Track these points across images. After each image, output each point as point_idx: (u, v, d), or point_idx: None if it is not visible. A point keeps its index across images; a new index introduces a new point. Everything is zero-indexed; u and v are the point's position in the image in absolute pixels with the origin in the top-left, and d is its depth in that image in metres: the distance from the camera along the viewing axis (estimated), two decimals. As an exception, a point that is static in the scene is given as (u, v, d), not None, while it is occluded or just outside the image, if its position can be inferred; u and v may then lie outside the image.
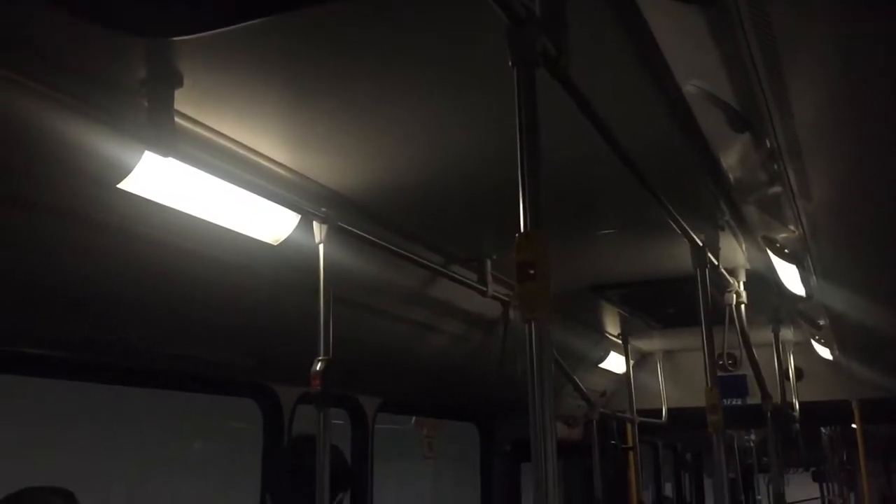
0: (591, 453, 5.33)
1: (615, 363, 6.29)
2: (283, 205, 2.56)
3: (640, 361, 6.79)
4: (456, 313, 4.17)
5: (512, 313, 4.01)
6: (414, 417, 6.57)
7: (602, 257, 3.97)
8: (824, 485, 12.33)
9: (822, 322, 4.84)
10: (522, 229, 1.45)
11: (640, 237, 3.64)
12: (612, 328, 5.86)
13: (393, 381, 4.47)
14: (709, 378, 3.09)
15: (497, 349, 4.05)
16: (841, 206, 2.45)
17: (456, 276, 3.72)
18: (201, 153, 2.26)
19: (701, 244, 3.14)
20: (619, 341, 5.97)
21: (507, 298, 4.01)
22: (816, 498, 12.67)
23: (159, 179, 2.22)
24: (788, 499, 12.25)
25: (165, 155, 2.05)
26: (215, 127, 2.34)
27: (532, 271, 1.40)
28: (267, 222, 2.69)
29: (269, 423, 3.65)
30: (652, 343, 6.44)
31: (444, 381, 4.74)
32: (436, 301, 3.96)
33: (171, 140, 2.01)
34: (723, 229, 3.39)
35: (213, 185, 2.36)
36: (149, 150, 2.05)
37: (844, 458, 10.86)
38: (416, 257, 3.39)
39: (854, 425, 6.48)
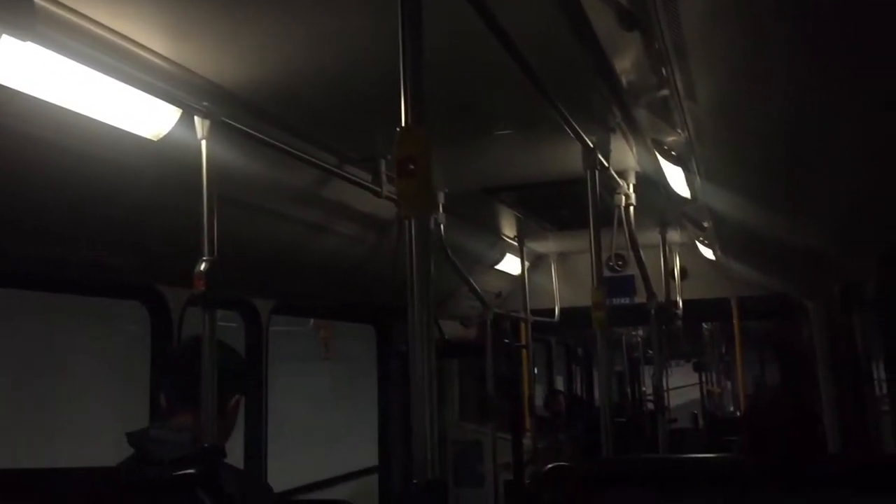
0: (485, 352, 5.48)
1: (511, 265, 6.42)
2: (161, 98, 2.42)
3: (535, 263, 6.96)
4: (351, 214, 4.13)
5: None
6: (312, 320, 6.57)
7: (495, 159, 3.97)
8: (704, 374, 13.28)
9: (706, 224, 5.03)
10: (403, 124, 1.42)
11: (533, 139, 3.65)
12: (508, 230, 5.95)
13: (287, 282, 4.43)
14: (595, 278, 3.18)
15: (392, 251, 4.06)
16: (724, 108, 2.50)
17: (350, 176, 3.66)
18: (68, 39, 2.10)
19: (592, 146, 3.17)
20: (515, 243, 6.07)
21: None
22: (695, 384, 13.63)
23: (21, 66, 2.06)
24: (671, 385, 13.05)
25: (24, 38, 1.89)
26: (83, 11, 2.18)
27: (412, 167, 1.38)
28: (145, 117, 2.55)
29: (156, 325, 3.57)
30: (547, 245, 6.59)
31: (341, 282, 4.74)
32: (329, 202, 3.90)
33: (30, 21, 1.85)
34: (614, 131, 3.44)
35: (83, 75, 2.20)
36: (4, 32, 1.88)
37: (724, 350, 11.59)
38: (307, 157, 3.30)
39: (733, 321, 6.88)
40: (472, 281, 5.03)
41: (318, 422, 6.57)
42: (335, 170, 3.58)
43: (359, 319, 5.76)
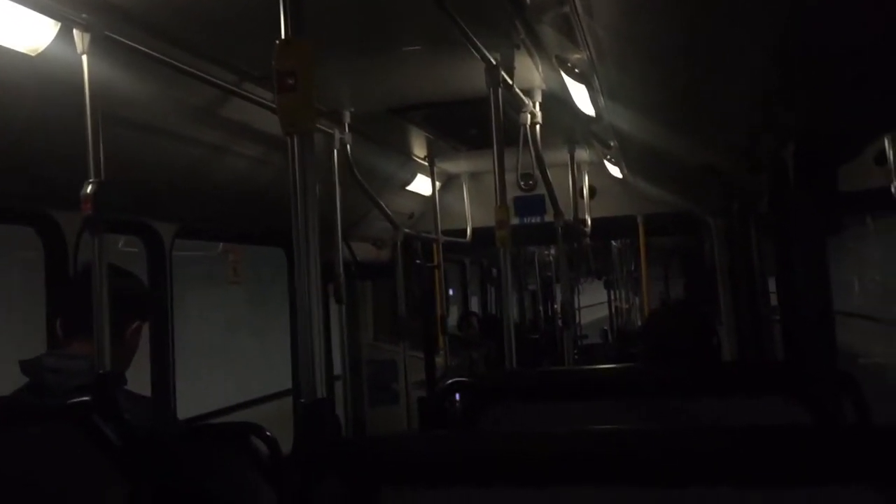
0: (396, 273, 5.49)
1: (422, 185, 6.39)
2: (36, 10, 2.27)
3: (446, 183, 6.95)
4: (254, 135, 4.01)
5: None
6: (221, 244, 6.45)
7: (402, 78, 3.90)
8: (613, 291, 13.75)
9: (612, 143, 5.10)
10: (283, 36, 1.36)
11: (439, 57, 3.59)
12: (418, 150, 5.90)
13: (191, 206, 4.30)
14: (498, 196, 3.20)
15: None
16: (623, 26, 2.50)
17: (250, 95, 3.55)
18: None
19: (495, 63, 3.14)
20: (426, 164, 6.04)
21: (305, 119, 3.89)
22: (604, 302, 14.14)
23: None
24: (584, 303, 13.44)
25: None
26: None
27: (292, 81, 1.33)
28: (20, 30, 2.39)
29: (50, 252, 3.43)
30: (458, 165, 6.58)
31: (248, 205, 4.64)
32: (231, 122, 3.78)
33: None
34: (518, 48, 3.40)
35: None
36: None
37: (632, 267, 11.97)
38: (203, 74, 3.17)
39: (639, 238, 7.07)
40: (381, 202, 5.00)
41: (231, 347, 6.52)
42: (234, 88, 3.46)
43: (267, 243, 5.68)
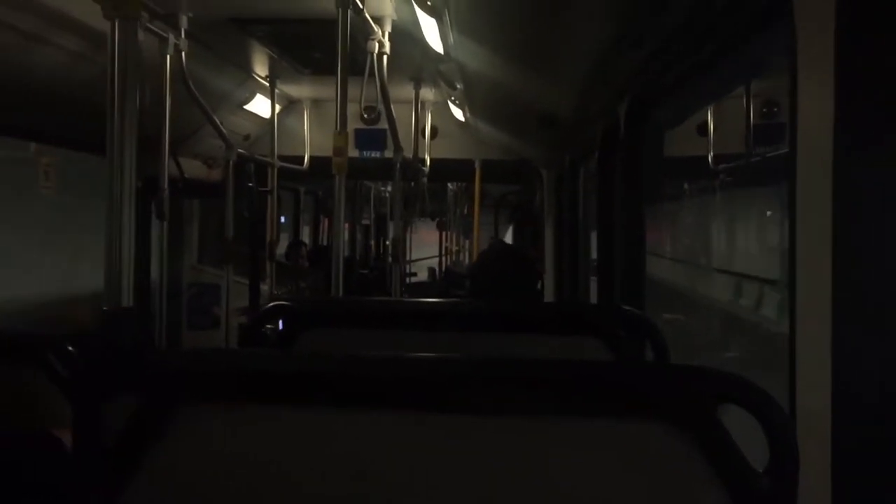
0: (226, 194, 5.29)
1: (261, 106, 6.16)
2: None
3: (287, 108, 6.74)
4: (77, 28, 3.68)
5: (140, 35, 3.63)
6: (33, 145, 5.93)
7: (246, -14, 3.70)
8: (446, 233, 14.06)
9: (458, 84, 5.11)
10: None
11: (287, -32, 3.43)
12: (260, 69, 5.65)
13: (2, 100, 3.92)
14: (339, 123, 3.12)
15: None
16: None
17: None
18: None
19: (346, -18, 3.04)
20: (266, 84, 5.81)
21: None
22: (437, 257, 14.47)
23: None
24: (416, 243, 13.63)
25: None
26: None
27: (116, -42, 1.20)
28: None
29: None
30: (300, 89, 6.38)
31: (66, 105, 4.27)
32: (47, 10, 3.44)
33: None
34: (372, -28, 3.31)
35: None
36: None
37: (466, 210, 12.22)
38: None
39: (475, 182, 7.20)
40: (215, 118, 4.77)
41: (35, 258, 6.05)
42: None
43: (86, 149, 5.28)
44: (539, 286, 2.93)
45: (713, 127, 5.92)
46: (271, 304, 2.17)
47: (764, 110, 4.91)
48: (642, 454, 1.18)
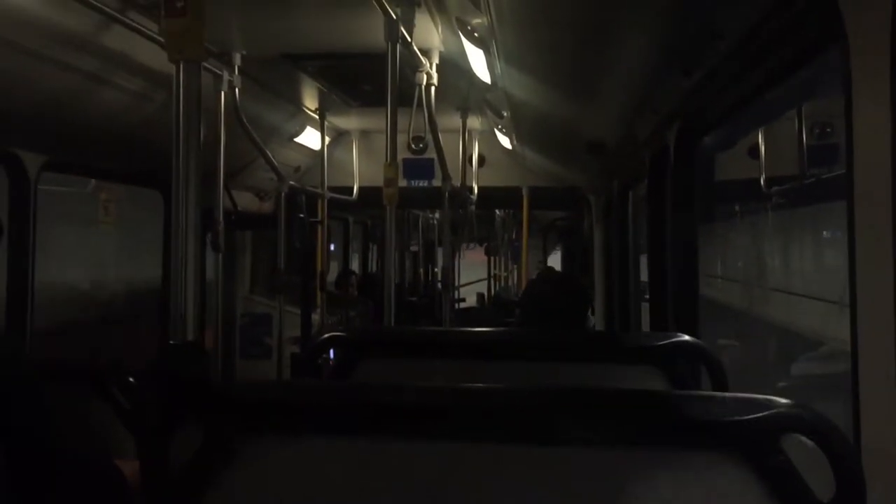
0: (278, 225, 5.38)
1: (311, 139, 6.27)
2: None
3: (336, 139, 6.84)
4: (134, 67, 3.80)
5: (197, 73, 3.75)
6: (93, 181, 6.12)
7: (297, 23, 3.78)
8: (494, 258, 14.10)
9: (504, 113, 5.15)
10: (173, -43, 1.28)
11: (338, 5, 3.50)
12: (310, 102, 5.77)
13: (62, 137, 4.06)
14: (388, 154, 3.17)
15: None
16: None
17: (133, 23, 3.35)
18: None
19: (395, 17, 3.09)
20: (316, 116, 5.92)
21: (192, 57, 3.73)
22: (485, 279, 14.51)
23: None
24: (465, 267, 13.66)
25: None
26: None
27: (182, 5, 1.25)
28: None
29: None
30: (349, 121, 6.48)
31: (124, 142, 4.41)
32: (111, 51, 3.56)
33: None
34: (419, 6, 3.37)
35: None
36: None
37: (514, 235, 12.25)
38: (84, -2, 2.97)
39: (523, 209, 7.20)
40: (267, 151, 4.87)
41: (96, 290, 6.22)
42: (117, 15, 3.26)
43: (143, 184, 5.43)
44: (590, 313, 2.91)
45: (764, 149, 5.85)
46: (326, 335, 2.20)
47: (816, 131, 4.83)
48: (703, 485, 1.17)
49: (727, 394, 1.59)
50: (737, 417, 1.15)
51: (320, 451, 1.20)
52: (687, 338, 2.12)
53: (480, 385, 1.34)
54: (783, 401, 1.23)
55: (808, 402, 1.22)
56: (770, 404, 1.20)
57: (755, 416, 1.14)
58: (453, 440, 1.21)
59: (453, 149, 5.94)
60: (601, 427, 1.17)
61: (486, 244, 13.39)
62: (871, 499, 1.20)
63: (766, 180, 6.19)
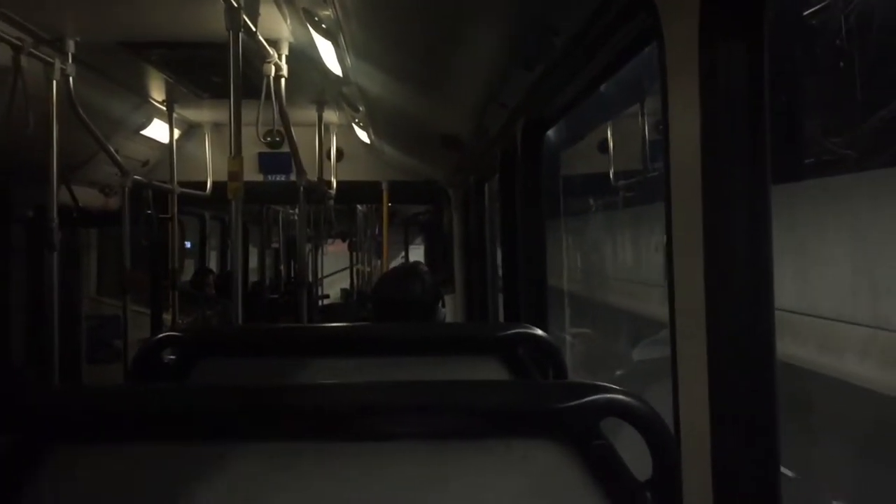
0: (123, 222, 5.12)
1: (159, 132, 6.00)
2: None
3: (188, 132, 6.59)
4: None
5: (24, 60, 3.50)
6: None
7: (133, 9, 3.58)
8: (357, 253, 14.06)
9: (360, 107, 5.10)
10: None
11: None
12: (157, 94, 5.51)
13: None
14: (233, 148, 3.07)
15: (6, 103, 3.55)
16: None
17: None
18: None
19: (237, 5, 2.99)
20: (164, 108, 5.66)
21: (18, 42, 3.48)
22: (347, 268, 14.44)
23: None
24: (330, 260, 13.51)
25: None
26: None
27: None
28: None
29: None
30: (201, 114, 6.25)
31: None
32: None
33: None
34: (264, -5, 3.28)
35: None
36: None
37: (377, 230, 12.24)
38: None
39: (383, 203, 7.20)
40: (108, 145, 4.62)
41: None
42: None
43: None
44: (441, 305, 2.93)
45: (612, 144, 6.08)
46: (160, 335, 2.10)
47: (660, 127, 5.05)
48: (530, 470, 1.19)
49: (552, 381, 1.64)
50: (558, 405, 1.17)
51: (137, 457, 1.13)
52: (529, 328, 2.16)
53: (318, 383, 1.31)
54: (609, 386, 1.27)
55: (643, 386, 1.26)
56: (593, 390, 1.23)
57: (576, 402, 1.17)
58: (290, 440, 1.18)
59: (311, 143, 5.83)
60: (426, 421, 1.17)
61: (348, 240, 13.31)
62: (689, 479, 1.26)
63: (614, 174, 6.43)
